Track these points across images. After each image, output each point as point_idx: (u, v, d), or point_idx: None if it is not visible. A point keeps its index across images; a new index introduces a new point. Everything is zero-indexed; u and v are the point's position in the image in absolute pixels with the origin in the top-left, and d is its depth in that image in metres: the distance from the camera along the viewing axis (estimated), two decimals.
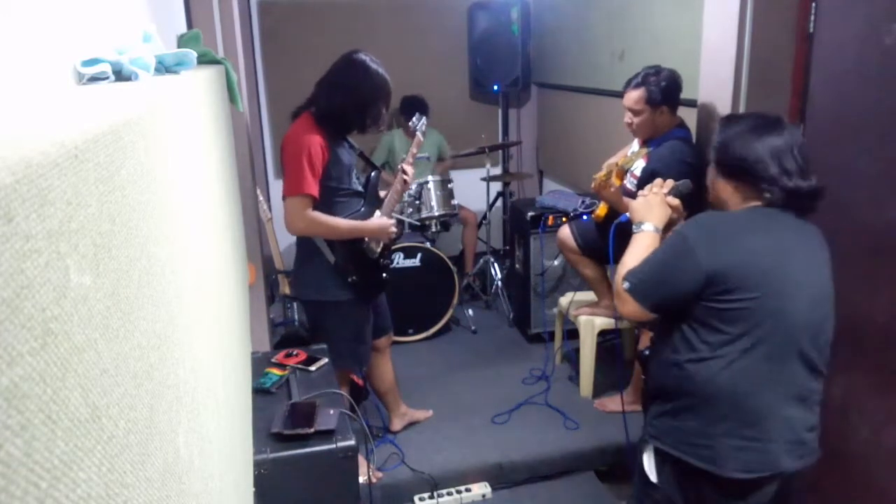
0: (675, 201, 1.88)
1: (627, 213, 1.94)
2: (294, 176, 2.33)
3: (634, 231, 1.83)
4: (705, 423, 1.61)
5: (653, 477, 1.73)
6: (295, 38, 4.75)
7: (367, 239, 2.57)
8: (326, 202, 2.40)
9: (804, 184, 1.59)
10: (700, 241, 1.59)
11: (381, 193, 2.78)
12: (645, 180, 2.71)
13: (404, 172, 2.71)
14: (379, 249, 2.63)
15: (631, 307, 1.67)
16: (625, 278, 1.68)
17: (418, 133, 2.74)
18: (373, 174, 2.63)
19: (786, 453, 1.60)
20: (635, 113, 2.69)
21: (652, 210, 1.83)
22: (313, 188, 2.33)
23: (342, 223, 2.45)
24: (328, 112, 2.39)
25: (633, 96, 2.68)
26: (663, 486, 1.71)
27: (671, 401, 1.68)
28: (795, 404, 1.61)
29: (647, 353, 2.10)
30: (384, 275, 2.69)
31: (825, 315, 1.63)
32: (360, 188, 2.57)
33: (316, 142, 2.34)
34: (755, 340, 1.56)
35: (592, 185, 2.65)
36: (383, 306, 2.83)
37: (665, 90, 2.63)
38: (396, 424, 3.05)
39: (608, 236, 3.01)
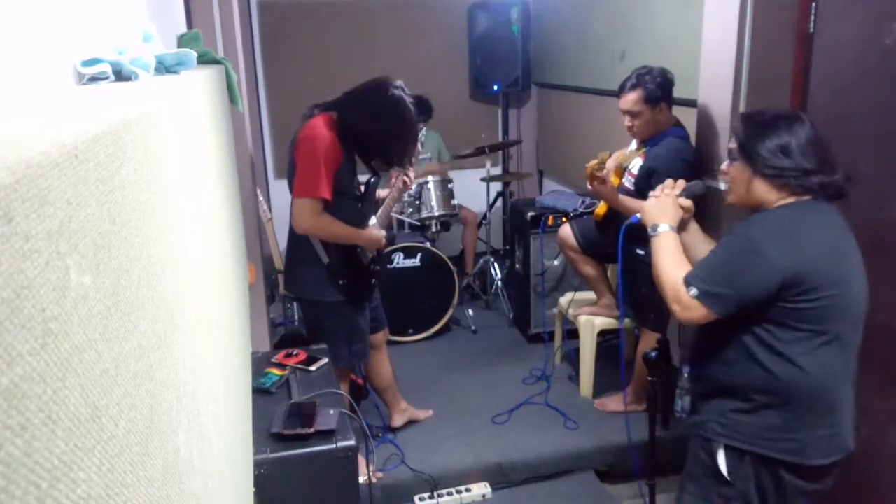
0: (687, 202, 1.86)
1: (638, 215, 1.92)
2: (309, 177, 2.33)
3: (651, 234, 1.81)
4: (789, 417, 1.63)
5: (727, 475, 1.72)
6: (295, 38, 4.75)
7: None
8: (329, 203, 2.41)
9: (837, 175, 1.62)
10: (771, 245, 1.57)
11: (381, 193, 2.79)
12: (642, 178, 2.71)
13: (405, 176, 2.72)
14: (371, 255, 2.66)
15: (699, 313, 1.63)
16: (689, 285, 1.64)
17: (417, 144, 2.75)
18: (372, 179, 2.65)
19: (850, 434, 1.68)
20: (634, 115, 2.68)
21: (665, 212, 1.82)
22: (327, 192, 2.34)
23: (345, 230, 2.46)
24: (353, 132, 2.41)
25: (631, 98, 2.66)
26: (738, 483, 1.71)
27: (747, 399, 1.67)
28: (851, 387, 1.68)
29: (653, 354, 2.09)
30: (373, 280, 2.70)
31: (867, 296, 1.67)
32: (359, 192, 2.59)
33: (334, 145, 2.36)
34: (834, 335, 1.59)
35: (585, 176, 2.64)
36: (377, 302, 2.84)
37: (661, 86, 2.63)
38: (397, 420, 3.05)
39: (610, 234, 3.03)
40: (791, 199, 1.65)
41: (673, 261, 1.72)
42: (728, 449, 1.72)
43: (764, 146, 1.63)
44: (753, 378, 1.66)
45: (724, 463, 1.72)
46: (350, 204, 2.52)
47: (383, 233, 2.65)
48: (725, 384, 1.73)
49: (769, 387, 1.64)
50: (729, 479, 1.72)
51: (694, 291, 1.63)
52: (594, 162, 2.58)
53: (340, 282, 2.53)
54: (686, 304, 1.64)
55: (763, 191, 1.67)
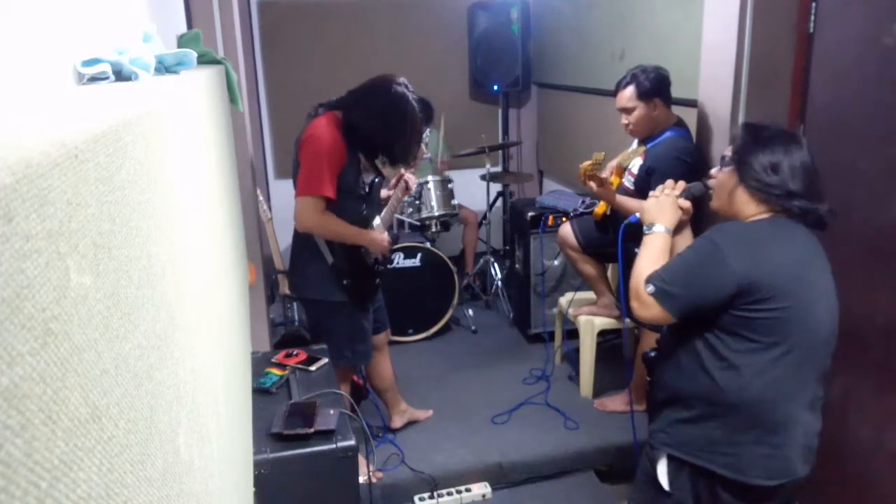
0: (687, 203, 1.87)
1: (637, 214, 1.93)
2: (313, 175, 2.33)
3: (646, 232, 1.82)
4: (731, 431, 1.61)
5: (666, 485, 1.71)
6: (295, 38, 4.74)
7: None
8: (333, 202, 2.40)
9: (822, 205, 1.61)
10: (732, 250, 1.57)
11: (383, 193, 2.78)
12: (642, 178, 2.71)
13: (407, 180, 2.72)
14: (375, 255, 2.65)
15: (654, 311, 1.63)
16: (648, 282, 1.64)
17: (421, 145, 2.74)
18: (376, 179, 2.64)
19: (800, 459, 1.63)
20: (629, 111, 2.70)
21: (663, 211, 1.82)
22: (330, 191, 2.34)
23: (348, 229, 2.46)
24: (357, 131, 2.40)
25: (625, 94, 2.69)
26: (676, 494, 1.70)
27: (692, 408, 1.67)
28: (808, 411, 1.64)
29: (651, 354, 2.10)
30: (377, 280, 2.70)
31: (835, 323, 1.64)
32: (363, 192, 2.58)
33: (338, 145, 2.35)
34: (785, 350, 1.57)
35: (580, 176, 2.64)
36: (380, 303, 2.84)
37: (654, 81, 2.65)
38: (397, 421, 3.05)
39: (609, 234, 3.04)
40: (768, 216, 1.65)
41: (651, 260, 1.72)
42: (670, 459, 1.71)
43: (756, 159, 1.63)
44: (698, 386, 1.65)
45: (665, 473, 1.72)
46: (354, 204, 2.51)
47: (387, 237, 2.64)
48: (674, 392, 1.72)
49: (712, 396, 1.63)
50: (668, 489, 1.71)
51: (651, 289, 1.63)
52: (588, 163, 2.58)
53: (345, 282, 2.53)
54: (643, 300, 1.65)
55: (743, 201, 1.67)
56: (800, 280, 1.58)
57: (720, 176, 1.74)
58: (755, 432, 1.60)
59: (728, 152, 1.73)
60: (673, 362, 1.73)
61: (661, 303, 1.62)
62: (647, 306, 1.65)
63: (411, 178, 2.75)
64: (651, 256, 1.73)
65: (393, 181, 2.81)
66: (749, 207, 1.66)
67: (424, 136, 2.77)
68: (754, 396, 1.59)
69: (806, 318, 1.58)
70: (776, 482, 1.61)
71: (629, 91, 2.67)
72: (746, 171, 1.65)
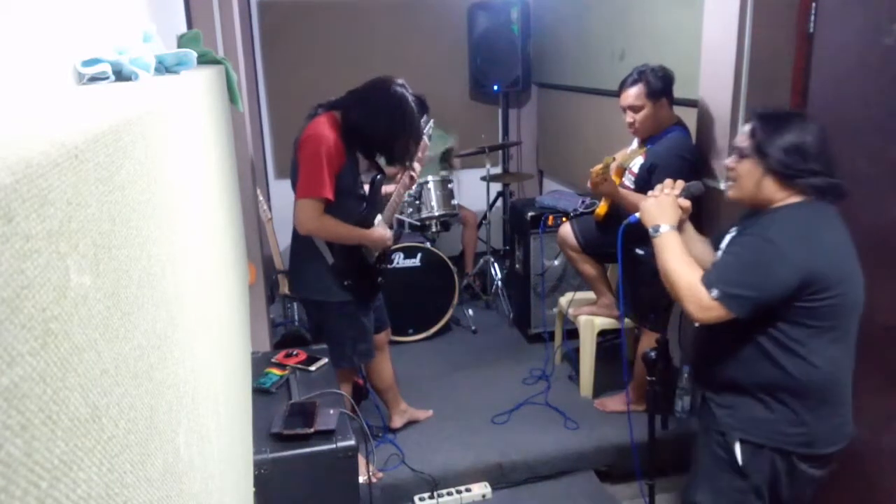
0: (686, 203, 1.88)
1: (637, 214, 1.92)
2: (312, 177, 2.33)
3: (653, 235, 1.81)
4: (801, 410, 1.69)
5: (743, 468, 1.77)
6: (295, 38, 4.75)
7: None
8: (331, 203, 2.41)
9: (837, 177, 1.66)
10: (789, 245, 1.61)
11: (387, 188, 2.78)
12: (643, 177, 2.71)
13: (412, 170, 2.72)
14: (376, 255, 2.65)
15: (718, 314, 1.66)
16: (710, 287, 1.65)
17: (425, 137, 2.74)
18: (377, 177, 2.64)
19: (851, 419, 1.75)
20: (636, 109, 2.68)
21: (665, 212, 1.83)
22: (330, 192, 2.34)
23: (349, 230, 2.46)
24: (356, 131, 2.41)
25: (633, 92, 2.67)
26: (752, 477, 1.75)
27: (761, 395, 1.72)
28: (850, 378, 1.74)
29: (651, 353, 2.10)
30: (378, 279, 2.70)
31: (864, 293, 1.72)
32: (364, 191, 2.58)
33: (337, 146, 2.36)
34: (842, 331, 1.66)
35: (589, 181, 2.64)
36: (379, 302, 2.84)
37: (662, 80, 2.64)
38: (397, 421, 3.05)
39: (610, 234, 3.03)
40: (796, 199, 1.68)
41: (683, 261, 1.74)
42: (743, 443, 1.75)
43: (778, 144, 1.66)
44: (768, 375, 1.70)
45: (741, 457, 1.76)
46: (354, 203, 2.51)
47: (389, 233, 2.64)
48: (739, 381, 1.76)
49: (783, 383, 1.69)
50: (744, 472, 1.76)
51: (716, 293, 1.65)
52: (599, 167, 2.58)
53: (346, 282, 2.53)
54: (706, 305, 1.66)
55: (771, 189, 1.70)
56: (846, 262, 1.65)
57: (741, 167, 1.74)
58: (824, 408, 1.69)
59: (742, 142, 1.74)
60: (729, 354, 1.77)
61: (727, 306, 1.65)
62: (709, 310, 1.67)
63: (417, 167, 2.74)
64: (682, 258, 1.75)
65: (398, 175, 2.82)
66: (777, 193, 1.70)
67: (428, 129, 2.76)
68: (821, 378, 1.67)
69: (854, 298, 1.66)
70: (840, 446, 1.73)
71: (637, 89, 2.65)
72: (770, 158, 1.68)
